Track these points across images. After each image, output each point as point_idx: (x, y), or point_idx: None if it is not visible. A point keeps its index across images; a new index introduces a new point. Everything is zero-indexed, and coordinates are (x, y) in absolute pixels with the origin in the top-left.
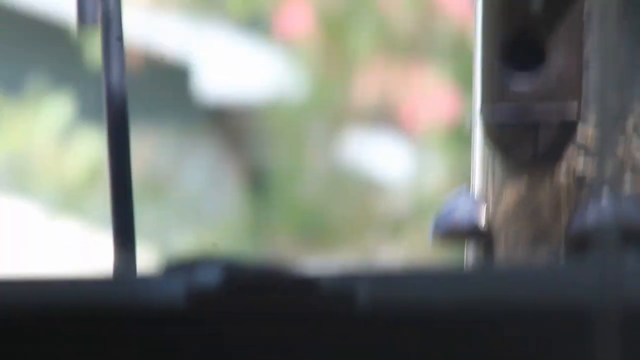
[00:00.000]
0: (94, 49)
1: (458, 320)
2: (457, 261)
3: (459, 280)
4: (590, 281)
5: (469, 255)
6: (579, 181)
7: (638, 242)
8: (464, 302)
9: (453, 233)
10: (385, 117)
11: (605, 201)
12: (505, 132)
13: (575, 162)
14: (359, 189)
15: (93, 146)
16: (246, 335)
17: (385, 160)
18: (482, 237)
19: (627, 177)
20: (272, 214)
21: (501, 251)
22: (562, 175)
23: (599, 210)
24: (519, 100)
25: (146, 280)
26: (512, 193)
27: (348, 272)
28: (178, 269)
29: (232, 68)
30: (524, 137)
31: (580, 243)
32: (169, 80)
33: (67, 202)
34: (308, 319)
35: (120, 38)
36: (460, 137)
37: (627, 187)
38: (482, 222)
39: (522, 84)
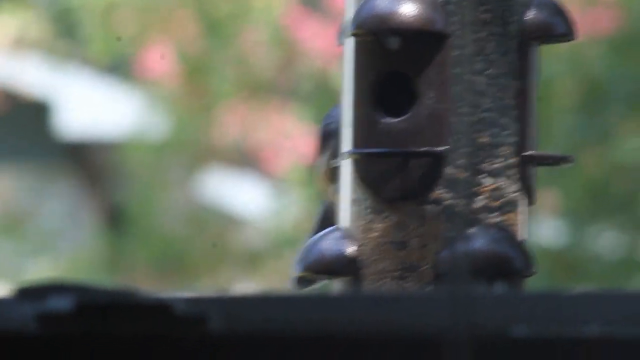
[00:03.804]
0: None
1: (312, 343)
2: (314, 291)
3: (316, 304)
4: (443, 309)
5: (336, 287)
6: (447, 216)
7: (500, 271)
8: (320, 325)
9: (320, 264)
10: (246, 156)
11: (468, 234)
12: (375, 168)
13: (444, 196)
14: (218, 224)
15: None
16: (98, 357)
17: (245, 197)
18: (351, 270)
19: (495, 213)
20: (131, 248)
21: (369, 284)
22: (430, 209)
23: (466, 241)
24: (388, 139)
25: None
26: (380, 227)
27: (202, 296)
28: (29, 294)
29: (92, 107)
30: (393, 174)
31: (447, 275)
32: (29, 118)
33: None
34: (161, 341)
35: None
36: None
37: (495, 221)
38: (351, 255)
39: (392, 123)
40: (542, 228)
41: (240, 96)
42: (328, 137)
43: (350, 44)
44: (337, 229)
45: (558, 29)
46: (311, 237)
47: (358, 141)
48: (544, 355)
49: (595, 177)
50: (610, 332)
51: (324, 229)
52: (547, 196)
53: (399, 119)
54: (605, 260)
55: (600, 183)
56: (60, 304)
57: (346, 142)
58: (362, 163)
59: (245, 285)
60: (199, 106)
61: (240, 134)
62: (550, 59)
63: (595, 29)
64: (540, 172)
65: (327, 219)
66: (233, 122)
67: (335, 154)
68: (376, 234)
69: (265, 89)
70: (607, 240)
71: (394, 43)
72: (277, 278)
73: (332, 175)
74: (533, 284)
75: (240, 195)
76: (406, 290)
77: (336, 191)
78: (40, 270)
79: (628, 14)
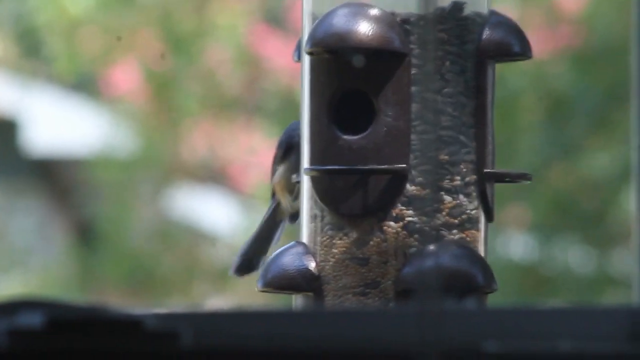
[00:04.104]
0: None
1: (283, 358)
2: (285, 307)
3: (284, 319)
4: (412, 325)
5: (297, 302)
6: (408, 231)
7: (461, 288)
8: (290, 340)
9: (282, 280)
10: (213, 172)
11: (432, 250)
12: (334, 184)
13: (404, 213)
14: (187, 241)
15: None
16: None
17: (213, 213)
18: (312, 285)
19: (455, 229)
20: (101, 264)
21: (330, 299)
22: (391, 225)
23: (426, 258)
24: (347, 155)
25: None
26: (341, 243)
27: (172, 312)
28: (0, 310)
29: (59, 124)
30: (352, 190)
31: (410, 290)
32: None
33: None
34: (132, 357)
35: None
36: None
37: (455, 238)
38: (312, 270)
39: (351, 140)
40: (511, 243)
41: (206, 113)
42: (290, 150)
43: (306, 61)
44: (298, 244)
45: (514, 48)
46: (253, 238)
47: (317, 158)
48: None
49: (562, 191)
50: (582, 347)
51: (267, 232)
52: (515, 211)
53: (357, 136)
54: (574, 275)
55: (568, 197)
56: (31, 320)
57: (305, 158)
58: (321, 179)
59: (215, 301)
60: (166, 123)
61: (207, 151)
62: (514, 74)
63: (559, 45)
64: (507, 188)
65: (271, 223)
66: (200, 139)
67: (295, 167)
68: (337, 250)
69: (231, 106)
70: (575, 255)
71: (359, 61)
72: (247, 294)
73: (290, 186)
74: (502, 299)
75: (209, 212)
76: (374, 306)
77: (293, 201)
78: (11, 287)
79: (591, 30)
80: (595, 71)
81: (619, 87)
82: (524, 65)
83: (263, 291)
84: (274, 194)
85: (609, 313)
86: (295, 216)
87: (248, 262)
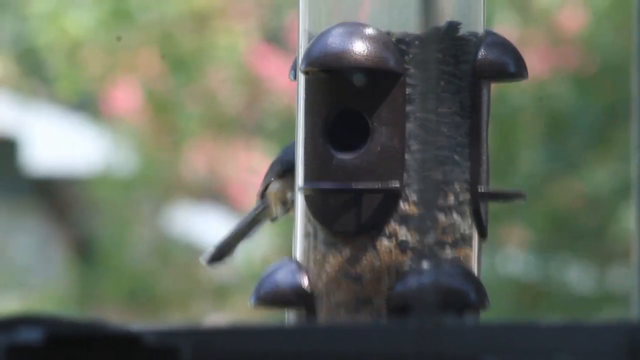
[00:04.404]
0: None
1: None
2: (282, 323)
3: (282, 335)
4: (409, 340)
5: (290, 318)
6: (401, 249)
7: (454, 305)
8: (288, 356)
9: (275, 296)
10: (213, 192)
11: (425, 268)
12: (328, 203)
13: (397, 231)
14: (186, 258)
15: None
16: None
17: (212, 232)
18: (305, 302)
19: (448, 248)
20: (100, 282)
21: (323, 316)
22: (384, 243)
23: (419, 276)
24: (342, 174)
25: None
26: (334, 260)
27: (171, 328)
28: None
29: (60, 144)
30: (346, 208)
31: (402, 307)
32: None
33: None
34: None
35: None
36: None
37: (449, 257)
38: (305, 287)
39: (345, 159)
40: (510, 260)
41: (206, 133)
42: (291, 169)
43: (302, 80)
44: (291, 260)
45: (509, 68)
46: (231, 233)
47: (311, 176)
48: None
49: (561, 208)
50: None
51: (246, 228)
52: (514, 228)
53: (351, 155)
54: (573, 292)
55: (567, 214)
56: (31, 336)
57: (300, 176)
58: (315, 198)
59: (213, 318)
60: (166, 143)
61: (207, 170)
62: (514, 93)
63: (559, 63)
64: (506, 205)
65: (254, 221)
66: (200, 158)
67: (292, 186)
68: (330, 267)
69: (231, 126)
70: (574, 272)
71: (359, 79)
72: (246, 312)
73: (284, 199)
74: (501, 315)
75: (209, 230)
76: (374, 321)
77: (284, 212)
78: (10, 304)
79: (591, 49)
80: (595, 89)
81: (619, 105)
82: (524, 83)
83: (256, 307)
84: (262, 197)
85: (608, 329)
86: (276, 217)
87: (220, 253)
